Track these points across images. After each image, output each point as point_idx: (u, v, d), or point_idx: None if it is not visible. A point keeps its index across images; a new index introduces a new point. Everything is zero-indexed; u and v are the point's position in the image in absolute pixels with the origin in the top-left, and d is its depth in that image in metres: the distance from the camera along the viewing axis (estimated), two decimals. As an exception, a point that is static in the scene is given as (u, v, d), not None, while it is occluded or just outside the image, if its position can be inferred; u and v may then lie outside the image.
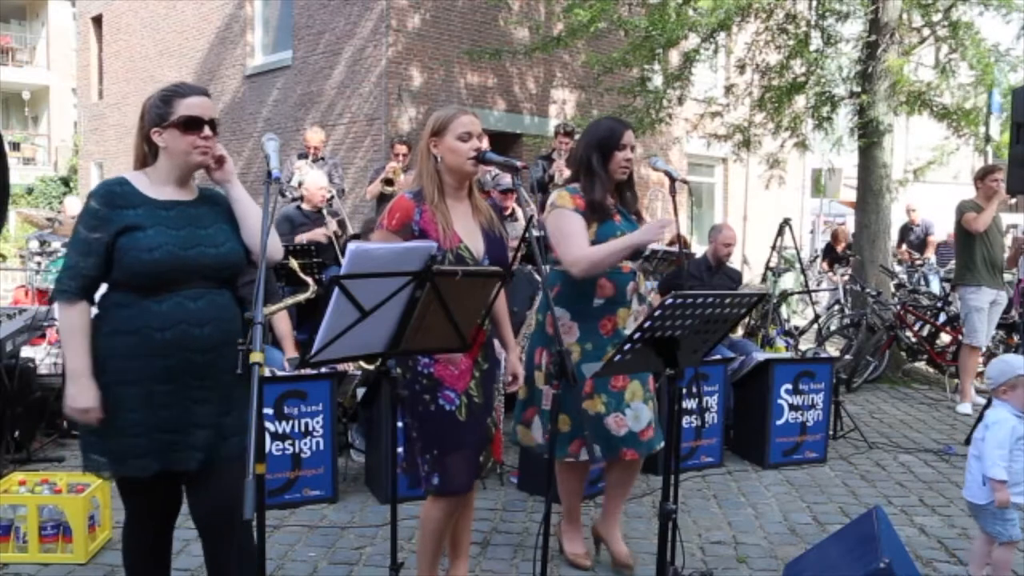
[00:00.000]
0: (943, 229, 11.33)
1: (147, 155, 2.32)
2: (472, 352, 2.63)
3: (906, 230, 11.13)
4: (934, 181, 11.73)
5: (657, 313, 2.32)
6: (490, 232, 2.77)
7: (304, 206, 6.20)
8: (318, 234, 6.01)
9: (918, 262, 10.99)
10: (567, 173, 7.44)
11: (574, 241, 3.03)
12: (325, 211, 6.22)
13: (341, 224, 6.40)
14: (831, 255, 11.12)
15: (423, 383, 2.64)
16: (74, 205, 8.26)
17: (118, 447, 2.22)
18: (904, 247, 11.10)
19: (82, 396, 2.17)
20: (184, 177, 2.32)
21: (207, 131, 2.25)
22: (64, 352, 2.25)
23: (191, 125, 2.23)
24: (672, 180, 3.14)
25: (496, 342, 2.92)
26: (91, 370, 2.19)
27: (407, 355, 2.57)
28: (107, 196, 2.23)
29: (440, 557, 2.90)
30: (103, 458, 2.25)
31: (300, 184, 6.46)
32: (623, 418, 3.13)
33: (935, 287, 10.11)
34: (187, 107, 2.23)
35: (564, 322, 3.12)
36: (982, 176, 6.48)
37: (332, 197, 6.70)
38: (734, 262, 6.07)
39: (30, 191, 22.80)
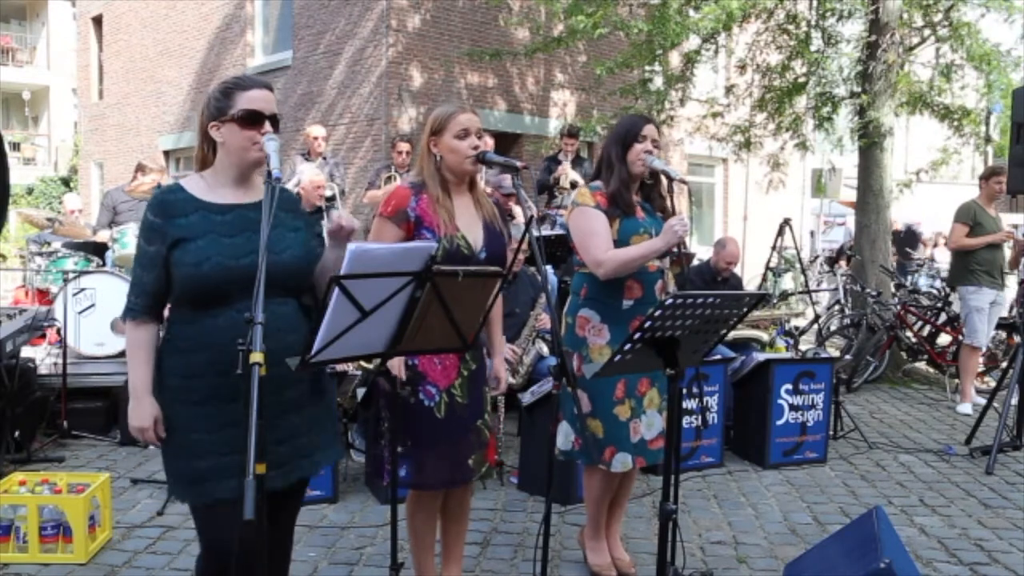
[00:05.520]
0: (945, 230, 11.29)
1: (207, 155, 2.20)
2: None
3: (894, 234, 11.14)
4: (934, 182, 11.72)
5: (657, 313, 2.31)
6: (491, 226, 2.77)
7: (302, 205, 6.19)
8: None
9: (918, 262, 10.99)
10: (572, 175, 7.52)
11: (597, 242, 3.00)
12: (326, 215, 6.21)
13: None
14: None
15: (406, 374, 2.64)
16: (73, 201, 8.24)
17: (187, 471, 2.10)
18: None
19: (139, 414, 2.09)
20: (244, 176, 2.19)
21: (267, 127, 2.12)
22: (128, 368, 2.15)
23: (251, 119, 2.11)
24: (670, 180, 3.12)
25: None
26: (150, 387, 2.10)
27: (408, 356, 2.57)
28: (161, 205, 2.12)
29: (433, 552, 2.89)
30: (175, 482, 2.15)
31: (299, 183, 6.47)
32: (639, 424, 3.12)
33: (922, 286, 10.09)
34: (248, 100, 2.11)
35: (594, 324, 3.09)
36: (987, 176, 6.49)
37: (333, 196, 6.70)
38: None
39: (30, 191, 22.81)
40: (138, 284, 2.13)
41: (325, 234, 2.22)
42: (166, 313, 2.22)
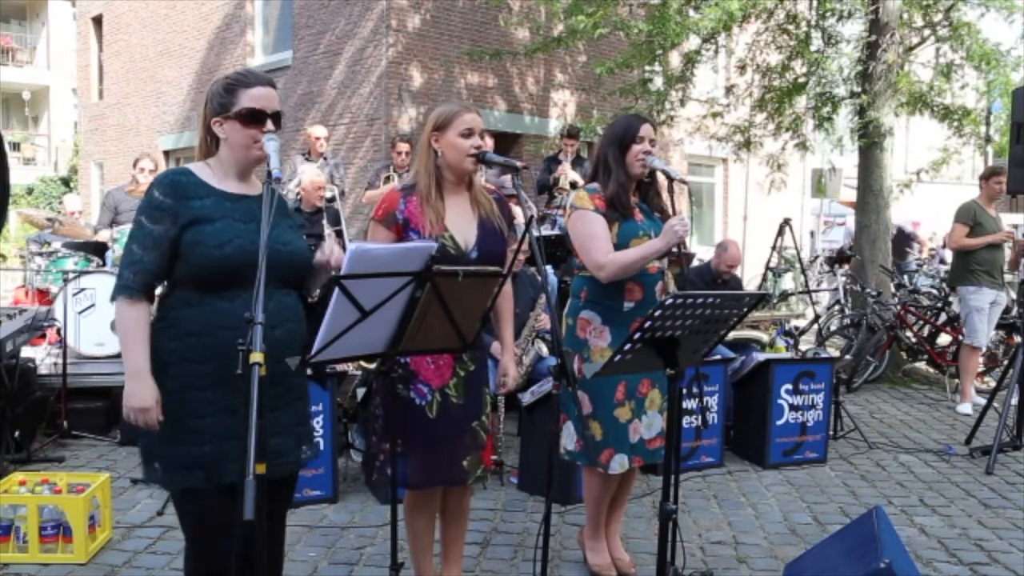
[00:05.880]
0: (945, 230, 11.26)
1: (210, 147, 2.21)
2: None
3: None
4: (936, 182, 11.73)
5: (657, 313, 2.32)
6: (488, 224, 2.75)
7: (302, 207, 6.20)
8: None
9: (917, 261, 10.97)
10: (572, 175, 7.52)
11: (597, 245, 2.99)
12: (325, 214, 6.22)
13: (339, 234, 6.40)
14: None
15: (398, 372, 2.63)
16: (73, 202, 8.28)
17: (185, 456, 2.07)
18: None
19: (141, 394, 2.02)
20: (245, 171, 2.22)
21: (269, 124, 2.13)
22: (122, 349, 2.08)
23: (253, 118, 2.12)
24: (670, 180, 3.11)
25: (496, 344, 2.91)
26: (150, 368, 2.04)
27: (407, 355, 2.57)
28: (172, 186, 2.09)
29: (431, 552, 2.89)
30: (166, 468, 2.10)
31: (299, 184, 6.47)
32: (639, 424, 3.12)
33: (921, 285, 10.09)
34: (250, 99, 2.12)
35: (595, 325, 3.08)
36: (987, 176, 6.50)
37: (333, 197, 6.70)
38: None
39: (30, 191, 22.81)
40: (136, 263, 2.07)
41: (316, 259, 2.26)
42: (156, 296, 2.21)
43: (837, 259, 11.84)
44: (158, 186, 2.11)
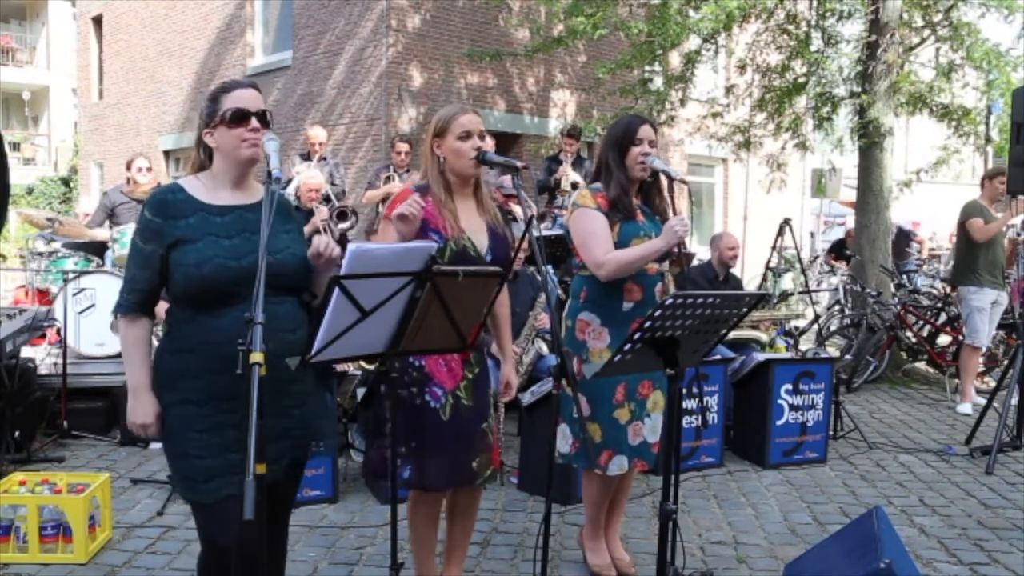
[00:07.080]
0: (944, 230, 11.28)
1: (203, 161, 2.25)
2: (464, 353, 2.62)
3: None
4: (934, 181, 11.71)
5: (657, 313, 2.32)
6: (495, 229, 2.77)
7: (300, 206, 6.22)
8: (314, 224, 6.06)
9: (916, 260, 10.97)
10: (572, 175, 7.52)
11: (597, 242, 2.99)
12: (318, 205, 6.27)
13: (333, 210, 6.44)
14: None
15: (412, 375, 2.63)
16: (87, 204, 8.31)
17: (188, 470, 2.14)
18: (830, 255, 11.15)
19: (140, 410, 2.14)
20: (240, 177, 2.23)
21: (254, 123, 2.16)
22: (124, 367, 2.19)
23: (237, 118, 2.15)
24: (670, 180, 3.11)
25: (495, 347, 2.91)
26: (151, 384, 2.15)
27: (407, 355, 2.57)
28: (160, 206, 2.15)
29: (434, 553, 2.89)
30: (178, 482, 2.20)
31: (297, 185, 6.48)
32: (641, 427, 3.11)
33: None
34: (233, 100, 2.16)
35: (594, 327, 3.08)
36: (990, 177, 6.51)
37: (329, 198, 6.71)
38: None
39: (30, 191, 22.79)
40: (131, 281, 2.17)
41: (309, 254, 2.24)
42: (162, 313, 2.25)
43: (834, 248, 11.82)
44: (148, 205, 2.18)
